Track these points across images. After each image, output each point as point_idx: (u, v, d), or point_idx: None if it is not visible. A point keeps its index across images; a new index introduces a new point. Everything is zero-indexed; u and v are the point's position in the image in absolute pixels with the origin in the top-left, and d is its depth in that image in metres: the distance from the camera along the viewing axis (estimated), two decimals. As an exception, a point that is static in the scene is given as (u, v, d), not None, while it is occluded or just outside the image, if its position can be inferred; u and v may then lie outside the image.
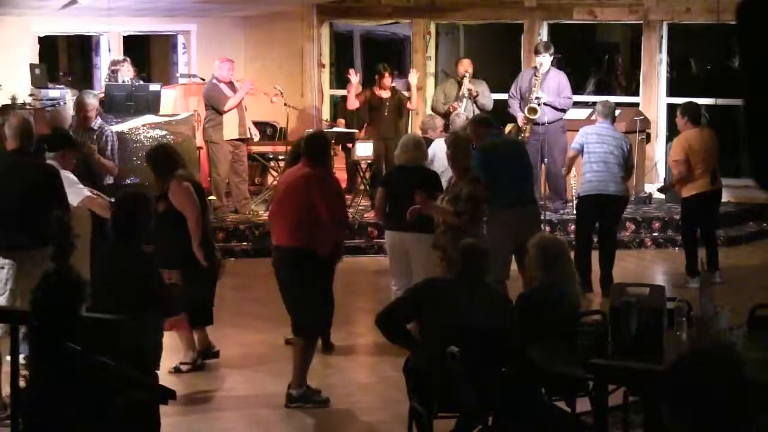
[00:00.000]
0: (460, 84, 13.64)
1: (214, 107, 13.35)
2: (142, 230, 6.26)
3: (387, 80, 13.79)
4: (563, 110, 13.37)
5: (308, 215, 7.73)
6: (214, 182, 13.53)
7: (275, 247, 8.00)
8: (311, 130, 14.50)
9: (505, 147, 9.90)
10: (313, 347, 7.95)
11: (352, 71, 14.23)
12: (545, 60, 13.40)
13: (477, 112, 13.58)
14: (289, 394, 7.80)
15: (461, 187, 8.45)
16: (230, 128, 13.40)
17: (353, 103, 13.93)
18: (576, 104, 14.31)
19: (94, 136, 10.15)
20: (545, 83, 13.28)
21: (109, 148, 10.18)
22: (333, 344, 9.14)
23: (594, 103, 13.73)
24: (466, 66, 13.72)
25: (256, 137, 13.94)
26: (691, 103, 11.82)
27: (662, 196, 13.69)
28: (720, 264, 11.46)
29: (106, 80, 13.63)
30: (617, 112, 14.26)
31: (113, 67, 13.64)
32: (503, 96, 13.84)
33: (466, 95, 13.49)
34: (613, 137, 10.89)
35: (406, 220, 8.70)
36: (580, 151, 10.92)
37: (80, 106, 10.33)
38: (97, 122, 10.26)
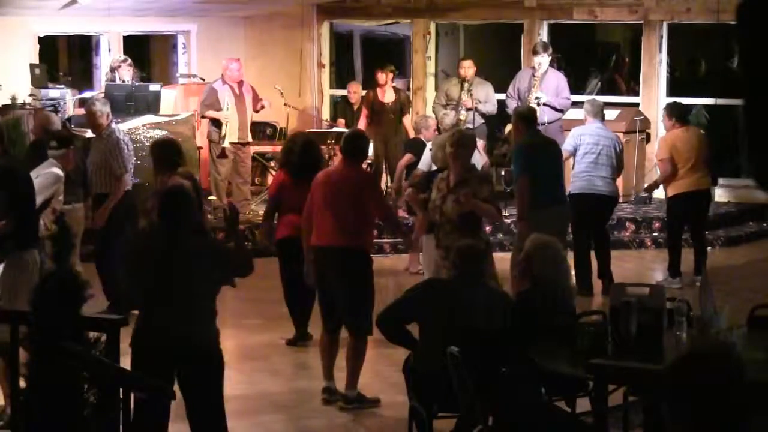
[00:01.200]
0: (462, 86, 13.60)
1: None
2: (189, 223, 6.16)
3: (381, 77, 13.73)
4: (561, 110, 13.38)
5: (364, 215, 7.78)
6: (214, 182, 13.53)
7: (323, 248, 7.75)
8: (313, 130, 14.55)
9: (544, 146, 9.88)
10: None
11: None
12: (543, 60, 13.40)
13: (482, 118, 13.56)
14: (346, 396, 7.77)
15: (475, 186, 8.38)
16: (231, 132, 13.41)
17: (362, 122, 13.98)
18: (576, 104, 14.30)
19: (102, 144, 10.06)
20: (543, 83, 13.27)
21: (115, 153, 10.03)
22: (311, 335, 9.24)
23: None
24: (466, 68, 13.65)
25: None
26: (676, 103, 11.86)
27: (662, 196, 13.68)
28: (720, 264, 11.45)
29: (106, 80, 13.65)
30: (617, 112, 14.32)
31: (112, 65, 13.70)
32: (502, 96, 13.83)
33: (464, 112, 13.41)
34: (608, 137, 10.93)
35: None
36: (573, 153, 10.93)
37: (88, 115, 10.28)
38: (107, 130, 10.12)
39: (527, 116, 10.08)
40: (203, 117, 13.52)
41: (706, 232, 13.35)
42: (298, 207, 8.55)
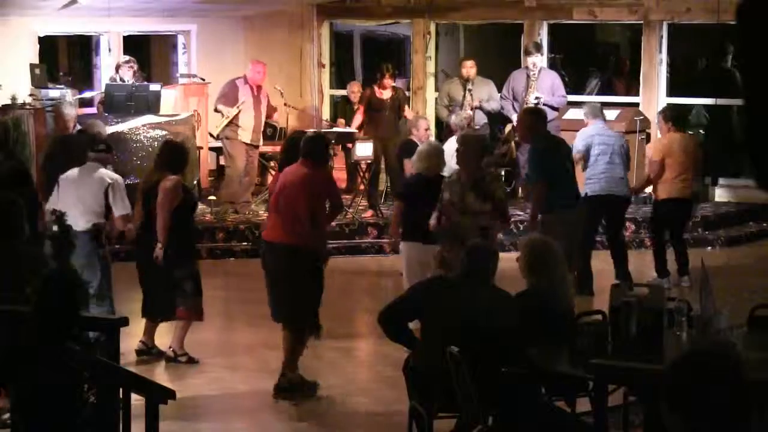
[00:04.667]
0: (464, 86, 13.60)
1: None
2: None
3: (387, 81, 13.78)
4: (557, 109, 13.40)
5: (306, 215, 7.83)
6: (228, 177, 13.57)
7: (269, 243, 8.05)
8: (312, 130, 14.55)
9: (559, 146, 9.82)
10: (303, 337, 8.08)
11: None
12: (537, 60, 13.42)
13: (481, 115, 13.55)
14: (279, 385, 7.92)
15: (487, 185, 8.39)
16: (245, 132, 13.41)
17: (357, 119, 14.06)
18: (576, 104, 14.30)
19: None
20: (539, 83, 13.30)
21: None
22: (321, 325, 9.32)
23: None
24: (468, 68, 13.67)
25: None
26: (672, 106, 11.87)
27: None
28: (720, 264, 11.45)
29: (110, 79, 13.70)
30: (617, 112, 14.32)
31: (117, 65, 13.80)
32: (499, 96, 13.84)
33: (470, 111, 13.41)
34: (614, 136, 10.99)
35: (427, 231, 8.65)
36: (585, 154, 10.91)
37: (58, 116, 10.44)
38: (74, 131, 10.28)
39: (539, 115, 10.00)
40: (215, 110, 13.61)
41: (707, 232, 13.43)
42: None
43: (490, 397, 5.94)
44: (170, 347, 8.68)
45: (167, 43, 16.87)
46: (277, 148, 14.67)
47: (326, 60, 16.41)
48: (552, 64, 15.02)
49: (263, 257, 8.22)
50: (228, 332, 9.52)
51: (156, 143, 12.63)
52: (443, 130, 13.95)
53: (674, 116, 11.35)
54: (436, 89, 15.50)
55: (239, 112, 13.31)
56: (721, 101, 14.92)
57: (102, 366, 5.34)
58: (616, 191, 10.75)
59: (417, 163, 9.08)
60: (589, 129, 11.04)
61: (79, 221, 8.49)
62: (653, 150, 11.31)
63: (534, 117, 9.88)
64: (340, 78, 17.10)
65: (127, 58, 13.95)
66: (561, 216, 9.21)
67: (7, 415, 6.75)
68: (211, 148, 14.59)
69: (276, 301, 8.01)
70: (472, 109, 13.46)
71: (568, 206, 9.39)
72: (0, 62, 13.73)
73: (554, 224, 9.04)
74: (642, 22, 14.89)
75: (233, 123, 13.44)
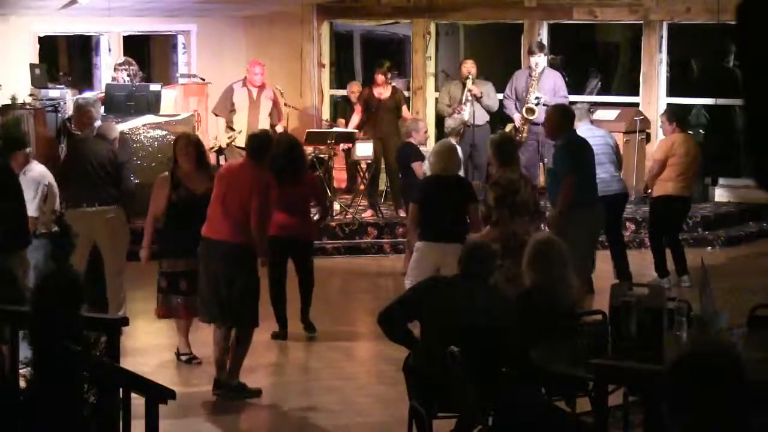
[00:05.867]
0: (464, 84, 13.61)
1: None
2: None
3: (379, 78, 13.77)
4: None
5: (248, 212, 7.85)
6: None
7: (215, 242, 7.92)
8: (313, 129, 14.55)
9: (586, 143, 9.79)
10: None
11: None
12: (540, 60, 13.41)
13: (483, 113, 13.55)
14: (227, 383, 7.95)
15: (487, 191, 8.44)
16: (240, 136, 13.40)
17: (355, 119, 14.08)
18: (576, 104, 14.29)
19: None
20: (541, 83, 13.29)
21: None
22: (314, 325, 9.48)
23: (594, 104, 13.69)
24: (468, 67, 13.68)
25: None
26: (675, 106, 11.87)
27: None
28: (720, 264, 11.45)
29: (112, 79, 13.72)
30: (617, 112, 14.32)
31: (115, 65, 13.81)
32: (500, 96, 13.84)
33: (470, 98, 13.44)
34: (599, 136, 10.86)
35: (445, 230, 8.66)
36: None
37: (85, 113, 10.34)
38: (91, 128, 10.21)
39: (570, 113, 9.97)
40: (215, 114, 13.70)
41: (707, 232, 13.44)
42: (281, 207, 8.88)
43: (490, 397, 5.94)
44: (177, 347, 8.76)
45: (167, 43, 16.87)
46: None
47: (326, 60, 16.41)
48: (551, 64, 15.01)
49: (204, 256, 8.04)
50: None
51: (156, 143, 12.65)
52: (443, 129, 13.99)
53: (679, 116, 11.37)
54: (436, 89, 15.50)
55: (232, 140, 13.30)
56: (721, 101, 14.92)
57: (102, 366, 5.34)
58: (609, 191, 10.68)
59: (435, 165, 9.03)
60: None
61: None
62: (658, 148, 11.32)
63: (562, 114, 9.84)
64: (340, 78, 17.10)
65: (123, 59, 13.92)
66: (581, 215, 9.17)
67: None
68: (212, 149, 14.58)
69: (233, 302, 7.87)
70: (473, 99, 13.41)
71: (588, 205, 9.37)
72: (0, 62, 13.74)
73: (574, 224, 8.99)
74: (642, 22, 14.90)
75: (228, 127, 13.43)
